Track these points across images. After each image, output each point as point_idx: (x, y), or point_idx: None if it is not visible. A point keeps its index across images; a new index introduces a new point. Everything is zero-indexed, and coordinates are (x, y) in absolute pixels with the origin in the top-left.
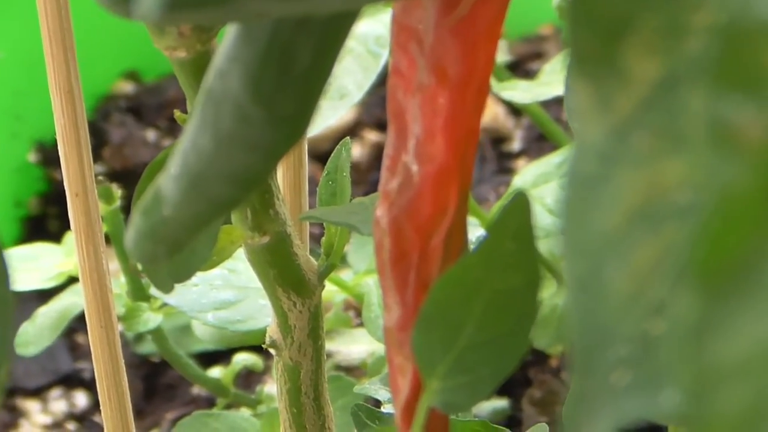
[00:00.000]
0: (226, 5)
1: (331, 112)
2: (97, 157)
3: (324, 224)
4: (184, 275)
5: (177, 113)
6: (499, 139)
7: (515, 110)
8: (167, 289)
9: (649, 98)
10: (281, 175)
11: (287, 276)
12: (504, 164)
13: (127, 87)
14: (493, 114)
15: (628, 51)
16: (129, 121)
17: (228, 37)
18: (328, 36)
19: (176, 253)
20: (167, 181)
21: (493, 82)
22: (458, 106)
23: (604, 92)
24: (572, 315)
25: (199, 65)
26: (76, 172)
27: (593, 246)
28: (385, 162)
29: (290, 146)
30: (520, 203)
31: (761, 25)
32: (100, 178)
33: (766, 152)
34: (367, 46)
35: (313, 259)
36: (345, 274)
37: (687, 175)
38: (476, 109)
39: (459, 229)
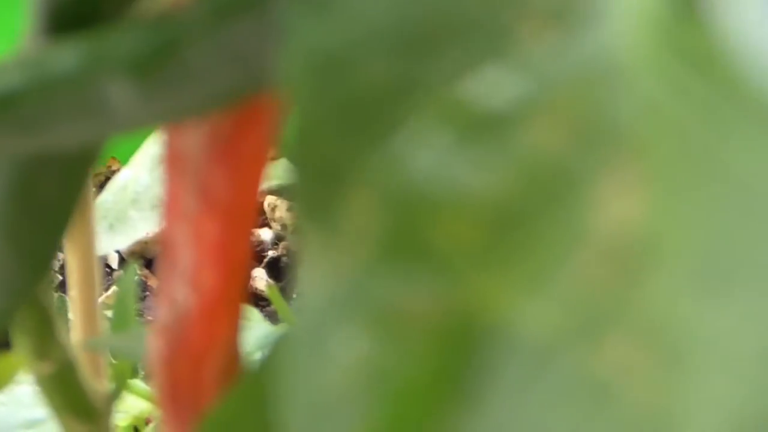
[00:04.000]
0: None
1: (143, 224)
2: None
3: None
4: None
5: None
6: None
7: None
8: None
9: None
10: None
11: (74, 403)
12: None
13: None
14: None
15: None
16: None
17: None
18: (72, 170)
19: None
20: None
21: None
22: (228, 231)
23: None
24: None
25: None
26: None
27: None
28: (156, 292)
29: (37, 283)
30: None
31: (423, 199)
32: None
33: (431, 332)
34: None
35: (102, 386)
36: None
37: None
38: (246, 233)
39: (233, 359)
